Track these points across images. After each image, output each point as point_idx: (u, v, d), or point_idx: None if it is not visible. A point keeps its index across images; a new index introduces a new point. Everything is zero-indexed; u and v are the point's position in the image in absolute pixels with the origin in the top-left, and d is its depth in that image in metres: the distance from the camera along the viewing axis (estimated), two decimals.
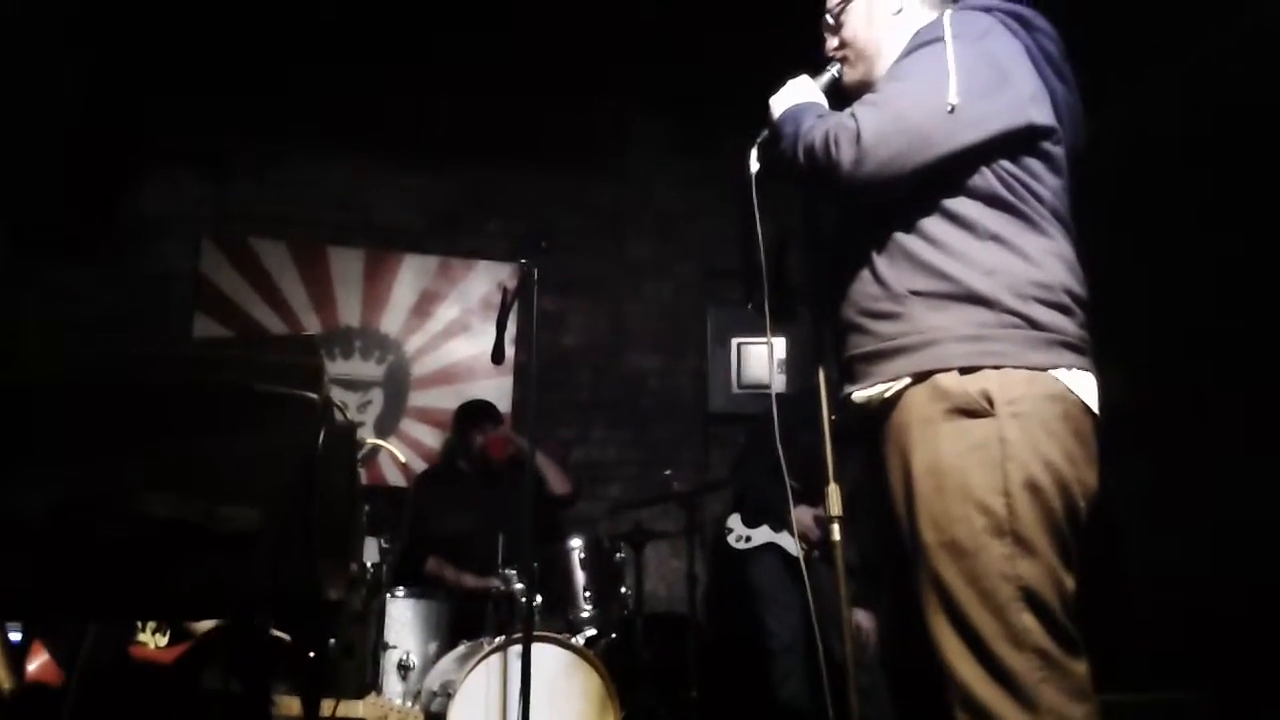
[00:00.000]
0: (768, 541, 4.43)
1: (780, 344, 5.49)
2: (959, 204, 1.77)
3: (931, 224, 1.78)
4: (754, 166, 2.02)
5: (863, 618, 4.03)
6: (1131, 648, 3.93)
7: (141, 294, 5.08)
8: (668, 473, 4.71)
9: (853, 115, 1.77)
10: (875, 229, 1.84)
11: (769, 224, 2.03)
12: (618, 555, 4.18)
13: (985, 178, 1.76)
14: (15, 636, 2.27)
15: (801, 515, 4.30)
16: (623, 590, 4.16)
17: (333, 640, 3.36)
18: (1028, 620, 1.57)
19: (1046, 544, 1.61)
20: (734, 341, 5.56)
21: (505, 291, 3.71)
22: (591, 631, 3.98)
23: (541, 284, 3.42)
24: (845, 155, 1.74)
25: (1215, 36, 4.06)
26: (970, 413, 1.67)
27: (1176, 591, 4.09)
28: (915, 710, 1.80)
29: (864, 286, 1.84)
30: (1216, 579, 3.92)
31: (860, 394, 1.83)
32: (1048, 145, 1.80)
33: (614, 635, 4.11)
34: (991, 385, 1.67)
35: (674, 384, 5.75)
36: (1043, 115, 1.79)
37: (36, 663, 2.48)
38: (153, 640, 2.85)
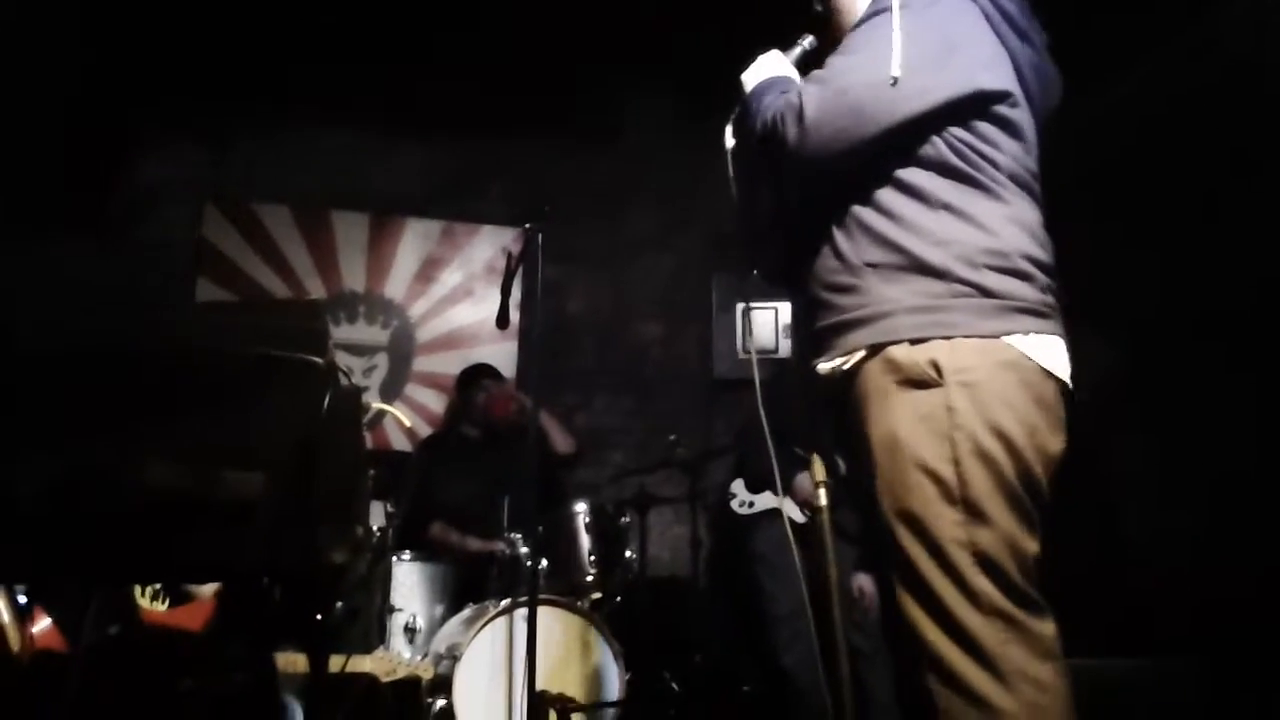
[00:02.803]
0: (771, 507, 4.44)
1: (786, 308, 5.48)
2: (911, 174, 1.77)
3: (885, 195, 1.79)
4: (729, 141, 2.03)
5: (865, 582, 4.05)
6: (1129, 616, 3.96)
7: (143, 261, 5.08)
8: (672, 438, 4.71)
9: (799, 93, 1.79)
10: (834, 203, 1.85)
11: (769, 191, 2.03)
12: (622, 520, 4.20)
13: (936, 147, 1.76)
14: (21, 599, 2.29)
15: (803, 482, 4.32)
16: (627, 555, 4.18)
17: (339, 603, 3.41)
18: (984, 584, 1.60)
19: (1000, 510, 1.62)
20: (739, 306, 5.55)
21: (509, 257, 3.71)
22: (596, 595, 4.00)
23: (546, 250, 3.42)
24: (790, 133, 1.77)
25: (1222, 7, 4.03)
26: (920, 383, 1.68)
27: (1175, 562, 4.10)
28: (910, 678, 1.81)
29: (825, 260, 1.86)
30: (1215, 551, 3.93)
31: (823, 366, 1.85)
32: (1003, 110, 1.78)
33: (618, 599, 4.14)
34: (940, 355, 1.68)
35: (678, 351, 5.74)
36: (994, 80, 1.77)
37: (38, 627, 2.50)
38: (152, 606, 2.87)
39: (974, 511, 1.62)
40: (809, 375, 1.92)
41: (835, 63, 1.82)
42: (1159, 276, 4.31)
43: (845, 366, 1.79)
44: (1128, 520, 4.42)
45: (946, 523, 1.63)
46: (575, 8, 5.27)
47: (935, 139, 1.76)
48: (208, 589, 2.83)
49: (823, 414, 2.06)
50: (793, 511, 4.38)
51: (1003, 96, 1.77)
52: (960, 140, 1.76)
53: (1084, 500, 1.84)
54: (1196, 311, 4.14)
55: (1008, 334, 1.68)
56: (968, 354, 1.67)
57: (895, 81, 1.71)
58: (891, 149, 1.77)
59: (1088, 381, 1.81)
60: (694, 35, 5.39)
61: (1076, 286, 1.93)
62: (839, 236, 1.83)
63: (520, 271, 3.74)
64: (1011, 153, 1.78)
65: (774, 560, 4.39)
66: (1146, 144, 4.38)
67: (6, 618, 2.18)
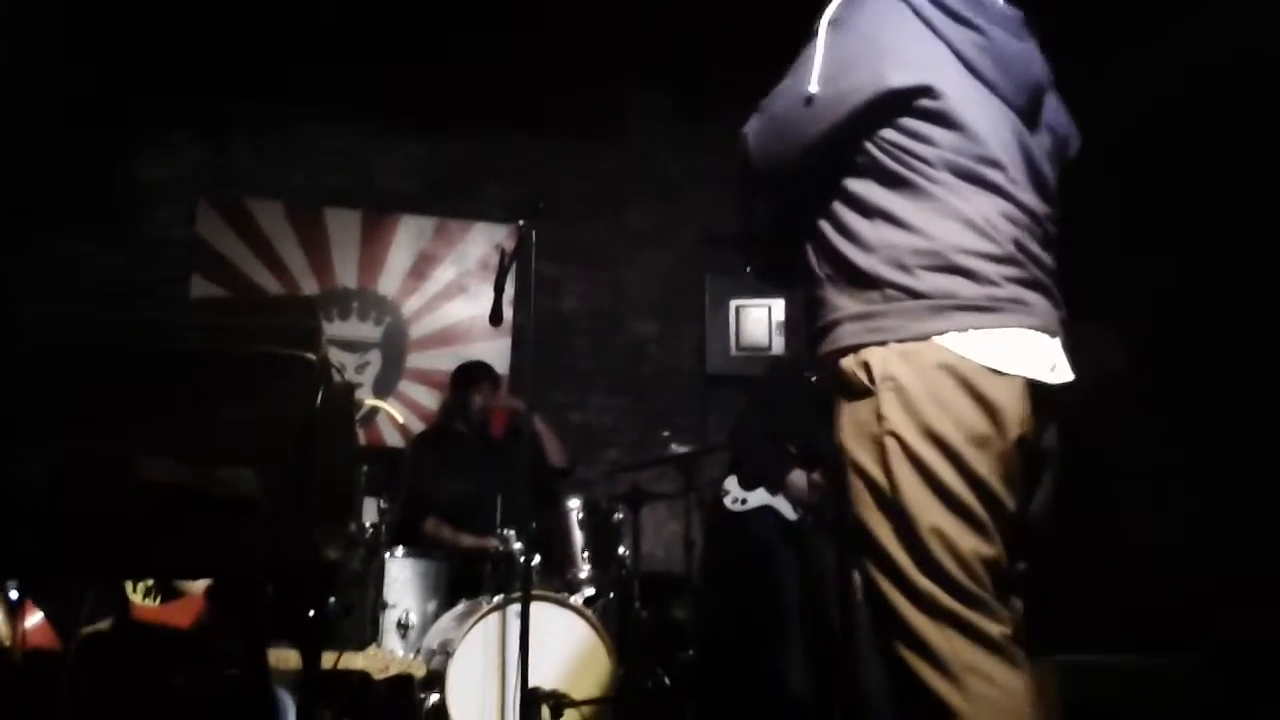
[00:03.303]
0: (764, 504, 4.45)
1: (779, 306, 5.49)
2: (852, 184, 1.78)
3: (835, 207, 1.80)
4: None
5: (859, 579, 4.05)
6: (1128, 612, 3.96)
7: (139, 258, 5.08)
8: (666, 434, 4.72)
9: (752, 120, 1.86)
10: (804, 217, 1.87)
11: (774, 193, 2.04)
12: (616, 516, 4.21)
13: (868, 153, 1.76)
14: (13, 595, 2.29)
15: (796, 479, 4.33)
16: (620, 551, 4.19)
17: (332, 599, 3.41)
18: (926, 584, 1.60)
19: (935, 512, 1.61)
20: (732, 303, 5.56)
21: (503, 253, 3.70)
22: (590, 591, 4.01)
23: (540, 249, 3.42)
24: (742, 157, 1.85)
25: None
26: (857, 392, 1.70)
27: (1175, 558, 4.11)
28: None
29: (803, 275, 1.89)
30: (1215, 547, 3.94)
31: (810, 377, 1.90)
32: (926, 103, 1.73)
33: (611, 595, 4.15)
34: (874, 361, 1.68)
35: (673, 349, 5.75)
36: (909, 76, 1.73)
37: (30, 622, 2.50)
38: (143, 603, 2.87)
39: (906, 515, 1.62)
40: (807, 369, 1.96)
41: (775, 89, 1.86)
42: (1161, 269, 4.32)
43: (814, 379, 1.83)
44: (1127, 516, 4.43)
45: (884, 527, 1.65)
46: (573, 5, 5.29)
47: (867, 145, 1.76)
48: (198, 585, 2.83)
49: (817, 411, 2.07)
50: (785, 509, 4.39)
51: (921, 91, 1.73)
52: (889, 142, 1.75)
53: (1083, 495, 1.83)
54: (1199, 304, 4.15)
55: (940, 334, 1.66)
56: (896, 359, 1.67)
57: (810, 100, 1.74)
58: (829, 162, 1.79)
59: (1087, 375, 1.79)
60: (692, 34, 5.40)
61: (1075, 278, 1.91)
62: (810, 250, 1.86)
63: (514, 268, 3.74)
64: (948, 145, 1.73)
65: (767, 556, 4.41)
66: (1149, 131, 4.38)
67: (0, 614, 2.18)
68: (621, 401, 5.63)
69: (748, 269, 2.22)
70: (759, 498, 4.47)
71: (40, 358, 1.37)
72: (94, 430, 1.29)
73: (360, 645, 3.48)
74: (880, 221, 1.74)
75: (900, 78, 1.73)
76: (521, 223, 3.48)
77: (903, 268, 1.70)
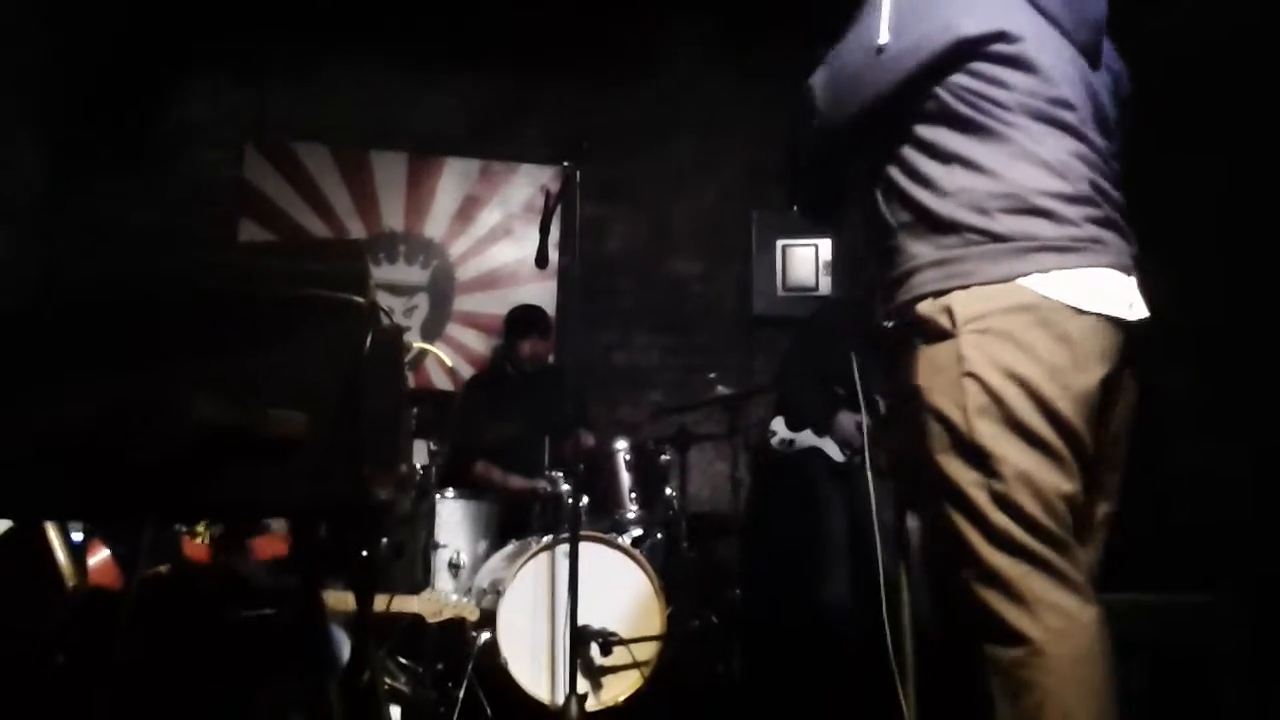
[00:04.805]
0: (811, 446, 4.44)
1: (826, 245, 5.42)
2: (925, 130, 1.78)
3: (909, 155, 1.80)
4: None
5: (910, 522, 4.04)
6: (1166, 550, 3.94)
7: (185, 201, 5.11)
8: (712, 376, 4.71)
9: (818, 71, 1.87)
10: (874, 166, 1.87)
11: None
12: (662, 458, 4.22)
13: (940, 99, 1.75)
14: (77, 537, 2.34)
15: (844, 421, 4.31)
16: (667, 492, 4.21)
17: (384, 540, 3.45)
18: (1004, 522, 1.63)
19: (1014, 450, 1.64)
20: (779, 243, 5.50)
21: (548, 195, 3.69)
22: (637, 532, 4.04)
23: (584, 188, 3.40)
24: (810, 109, 1.85)
25: None
26: (938, 335, 1.71)
27: (1223, 497, 4.07)
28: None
29: (873, 221, 1.89)
30: (1265, 486, 3.89)
31: (879, 323, 1.89)
32: (1001, 48, 1.73)
33: (659, 535, 4.17)
34: (955, 305, 1.69)
35: (717, 289, 5.71)
36: (980, 23, 1.73)
37: (95, 559, 2.56)
38: (206, 534, 2.94)
39: (983, 454, 1.65)
40: (856, 310, 1.97)
41: (842, 41, 1.86)
42: (1214, 205, 4.22)
43: (888, 325, 1.83)
44: (1176, 454, 4.38)
45: (960, 466, 1.67)
46: None
47: (939, 91, 1.75)
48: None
49: (867, 353, 2.07)
50: (833, 450, 4.38)
51: (993, 37, 1.73)
52: (963, 88, 1.74)
53: (1132, 434, 1.82)
54: (1251, 241, 4.06)
55: (1023, 275, 1.68)
56: (979, 301, 1.68)
57: (880, 50, 1.74)
58: (900, 111, 1.78)
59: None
60: None
61: (1129, 215, 1.89)
62: (880, 199, 1.86)
63: (559, 210, 3.73)
64: (1023, 88, 1.74)
65: (814, 498, 4.40)
66: (1205, 68, 4.26)
67: (61, 554, 2.23)
68: (666, 341, 5.62)
69: (794, 207, 2.21)
70: (806, 439, 4.46)
71: (91, 301, 1.38)
72: (146, 372, 1.31)
73: (412, 586, 3.53)
74: (956, 167, 1.74)
75: (972, 25, 1.73)
76: (566, 164, 3.46)
77: (982, 211, 1.71)
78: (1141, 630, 3.25)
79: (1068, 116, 1.76)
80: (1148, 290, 1.78)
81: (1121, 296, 1.72)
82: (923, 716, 2.38)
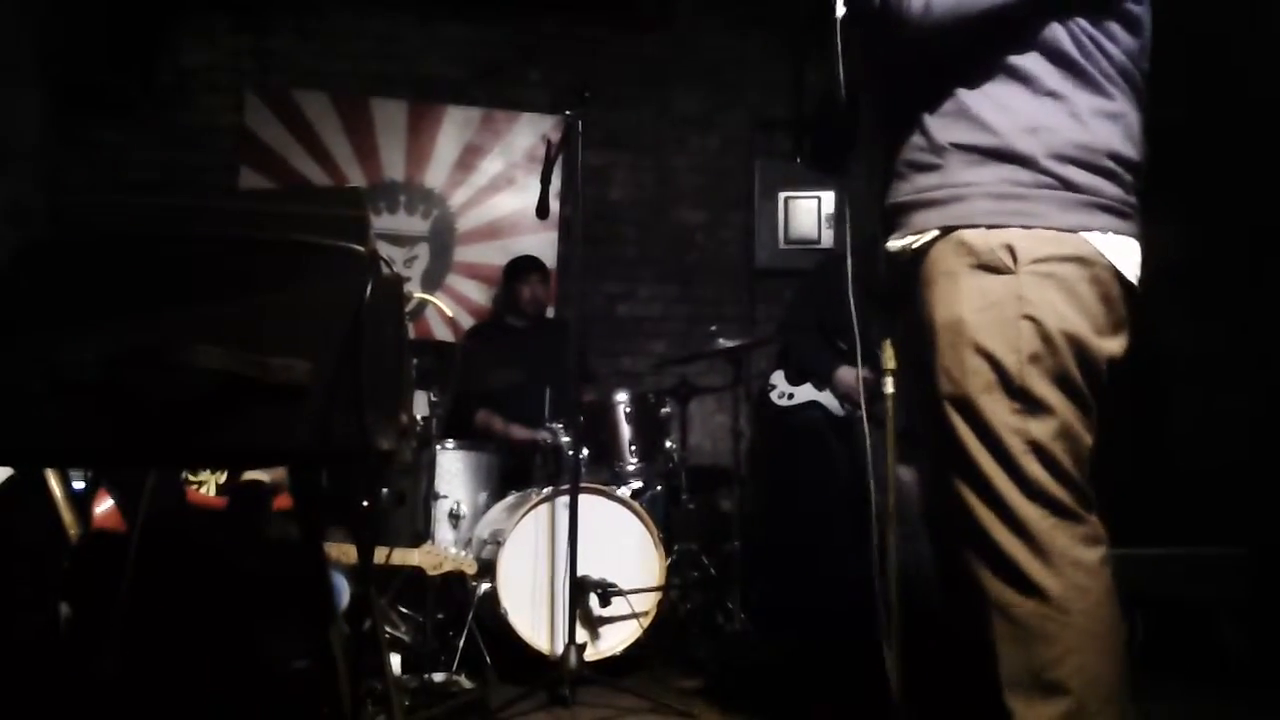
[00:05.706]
0: (810, 400, 4.45)
1: (829, 197, 5.39)
2: (1023, 58, 1.70)
3: (988, 76, 1.72)
4: (840, 10, 1.93)
5: (904, 473, 4.05)
6: (1176, 504, 3.96)
7: (185, 148, 5.08)
8: (713, 328, 4.71)
9: None
10: (930, 80, 1.78)
11: (820, 73, 1.98)
12: (663, 410, 4.22)
13: (1055, 33, 1.69)
14: (79, 485, 2.34)
15: (844, 375, 4.31)
16: (668, 444, 4.22)
17: (385, 490, 3.47)
18: (1037, 471, 1.62)
19: (1059, 401, 1.64)
20: (781, 195, 5.46)
21: (549, 144, 3.66)
22: (637, 484, 4.05)
23: (586, 137, 3.38)
24: (914, 6, 1.68)
25: None
26: (993, 269, 1.67)
27: (1224, 450, 4.08)
28: (954, 561, 1.84)
29: (910, 137, 1.81)
30: (1265, 439, 3.90)
31: (892, 244, 1.84)
32: (1131, 7, 1.73)
33: (659, 487, 4.19)
34: (1017, 243, 1.66)
35: (720, 239, 5.69)
36: None
37: (102, 507, 2.56)
38: (212, 479, 2.95)
39: (1033, 400, 1.64)
40: (881, 259, 1.91)
41: None
42: (1218, 156, 4.19)
43: (915, 245, 1.78)
44: (1179, 407, 4.40)
45: (1003, 409, 1.64)
46: None
47: (1057, 25, 1.69)
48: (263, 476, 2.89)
49: (871, 305, 2.04)
50: (832, 404, 4.38)
51: None
52: (1083, 30, 1.70)
53: (1134, 387, 1.84)
54: (1255, 193, 4.04)
55: (1086, 229, 1.67)
56: (1045, 245, 1.66)
57: None
58: (1011, 28, 1.70)
59: (1144, 265, 1.78)
60: None
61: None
62: (928, 114, 1.77)
63: (560, 159, 3.70)
64: (1127, 48, 1.73)
65: (813, 451, 4.41)
66: (1215, 28, 4.22)
67: (62, 503, 2.23)
68: (669, 290, 5.61)
69: (798, 159, 2.16)
70: (806, 393, 4.46)
71: (92, 246, 1.37)
72: (148, 318, 1.30)
73: (413, 536, 3.55)
74: (1050, 103, 1.69)
75: None
76: (568, 113, 3.43)
77: (1062, 158, 1.68)
78: (1144, 584, 3.29)
79: (1141, 85, 1.76)
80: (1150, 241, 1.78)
81: (1138, 268, 1.73)
82: (907, 667, 2.41)
